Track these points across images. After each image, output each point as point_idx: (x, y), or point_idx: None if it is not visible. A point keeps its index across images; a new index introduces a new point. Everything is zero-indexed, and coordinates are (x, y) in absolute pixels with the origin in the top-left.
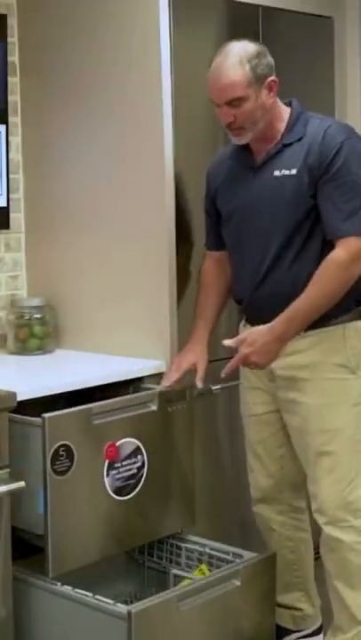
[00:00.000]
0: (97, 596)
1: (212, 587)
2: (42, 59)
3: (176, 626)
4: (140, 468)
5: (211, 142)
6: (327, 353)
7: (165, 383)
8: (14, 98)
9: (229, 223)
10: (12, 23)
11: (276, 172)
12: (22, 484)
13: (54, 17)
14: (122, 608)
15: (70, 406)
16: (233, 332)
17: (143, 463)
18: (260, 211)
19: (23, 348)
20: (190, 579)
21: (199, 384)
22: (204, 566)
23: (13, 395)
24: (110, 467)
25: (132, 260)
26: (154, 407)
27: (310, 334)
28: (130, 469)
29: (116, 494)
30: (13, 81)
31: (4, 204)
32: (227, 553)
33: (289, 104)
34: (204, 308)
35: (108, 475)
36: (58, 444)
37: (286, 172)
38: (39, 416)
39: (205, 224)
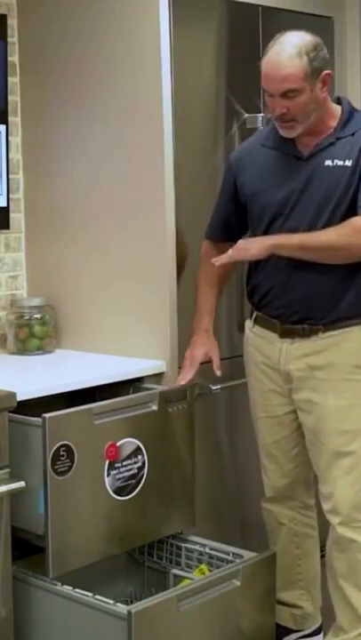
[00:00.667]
0: (97, 596)
1: (212, 587)
2: (42, 59)
3: (176, 626)
4: (140, 468)
5: (211, 142)
6: (345, 354)
7: (183, 381)
8: (14, 98)
9: (267, 210)
10: (12, 23)
11: (328, 162)
12: (22, 483)
13: (54, 17)
14: (122, 608)
15: (70, 406)
16: (234, 330)
17: (144, 463)
18: (306, 199)
19: (23, 348)
20: (190, 579)
21: (218, 372)
22: (204, 566)
23: (13, 395)
24: (111, 467)
25: (132, 260)
26: (154, 407)
27: (328, 335)
28: (130, 469)
29: (117, 494)
30: (13, 81)
31: (4, 204)
32: (227, 553)
33: (338, 101)
34: (206, 297)
35: (108, 475)
36: (58, 444)
37: (340, 163)
38: (39, 416)
39: (215, 213)
